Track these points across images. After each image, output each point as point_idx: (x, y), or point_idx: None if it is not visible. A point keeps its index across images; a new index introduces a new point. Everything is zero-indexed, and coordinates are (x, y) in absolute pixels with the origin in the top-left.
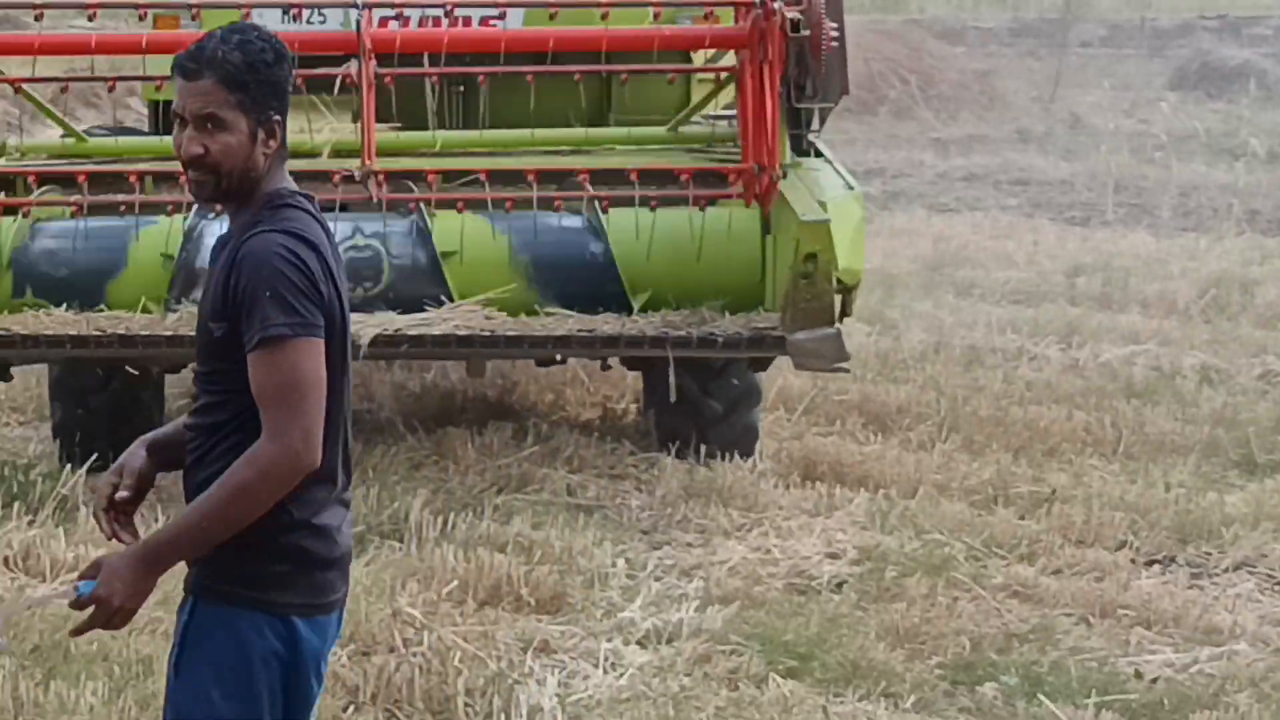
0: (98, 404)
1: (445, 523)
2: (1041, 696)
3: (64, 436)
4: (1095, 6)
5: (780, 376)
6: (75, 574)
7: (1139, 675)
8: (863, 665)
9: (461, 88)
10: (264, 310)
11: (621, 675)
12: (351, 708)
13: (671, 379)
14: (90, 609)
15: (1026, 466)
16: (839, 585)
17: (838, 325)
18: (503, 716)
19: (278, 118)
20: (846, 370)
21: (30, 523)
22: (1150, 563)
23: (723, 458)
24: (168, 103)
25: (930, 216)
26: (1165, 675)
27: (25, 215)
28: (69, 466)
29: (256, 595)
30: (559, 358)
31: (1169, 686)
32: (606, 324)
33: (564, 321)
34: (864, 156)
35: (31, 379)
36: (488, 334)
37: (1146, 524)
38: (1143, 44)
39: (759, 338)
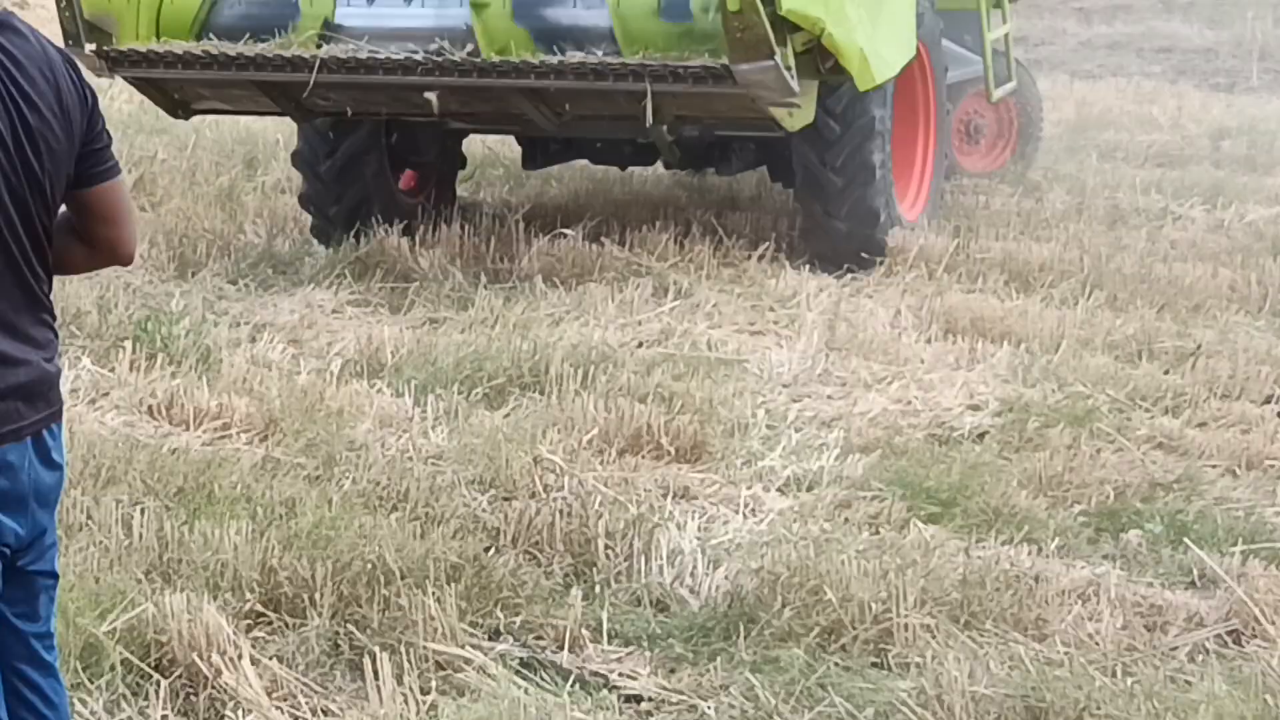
0: (327, 170)
1: (586, 375)
2: (1187, 542)
3: (309, 206)
4: None
5: (921, 236)
6: (218, 422)
7: None
8: (1005, 511)
9: None
10: None
11: (762, 520)
12: (492, 549)
13: (648, 105)
14: None
15: (1171, 322)
16: (981, 435)
17: (777, 59)
18: (643, 559)
19: None
20: (796, 105)
21: (173, 374)
22: None
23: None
24: None
25: (1073, 82)
26: None
27: None
28: (211, 319)
29: None
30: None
31: None
32: (584, 57)
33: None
34: None
35: (175, 237)
36: (461, 62)
37: None
38: None
39: (718, 71)
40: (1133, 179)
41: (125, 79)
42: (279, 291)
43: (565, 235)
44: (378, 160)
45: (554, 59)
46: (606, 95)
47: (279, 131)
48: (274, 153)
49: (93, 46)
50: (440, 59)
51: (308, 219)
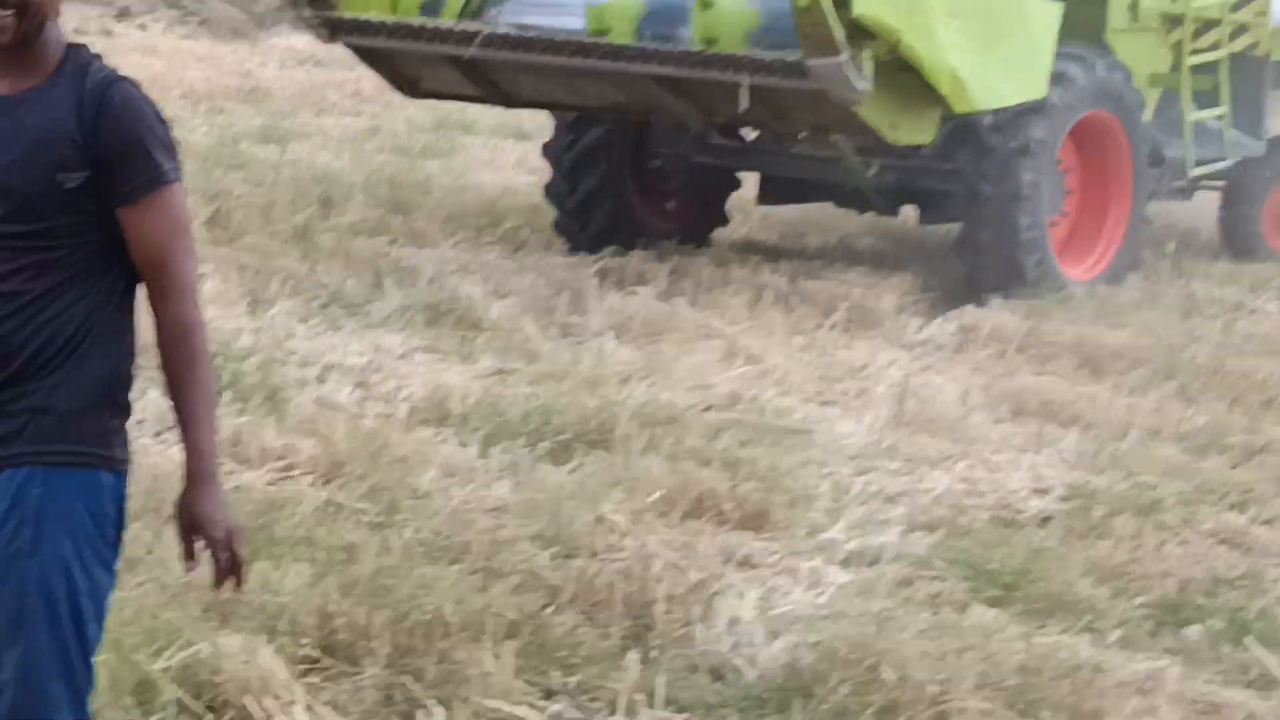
0: (572, 202)
1: (652, 435)
2: (1248, 641)
3: (562, 234)
4: None
5: (994, 315)
6: (283, 462)
7: None
8: (1067, 599)
9: None
10: (154, 156)
11: (822, 593)
12: (551, 607)
13: (743, 94)
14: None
15: (1241, 417)
16: (1045, 520)
17: (843, 57)
18: (701, 625)
19: None
20: (858, 102)
21: (240, 411)
22: None
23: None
24: None
25: None
26: None
27: None
28: (280, 357)
29: (103, 454)
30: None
31: None
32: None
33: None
34: None
35: (247, 273)
36: (578, 40)
37: None
38: None
39: (796, 65)
40: (1207, 269)
41: (347, 45)
42: (349, 333)
43: (637, 293)
44: (621, 191)
45: (654, 45)
46: (725, 88)
47: (357, 173)
48: (350, 193)
49: (315, 13)
50: (568, 39)
51: (381, 260)
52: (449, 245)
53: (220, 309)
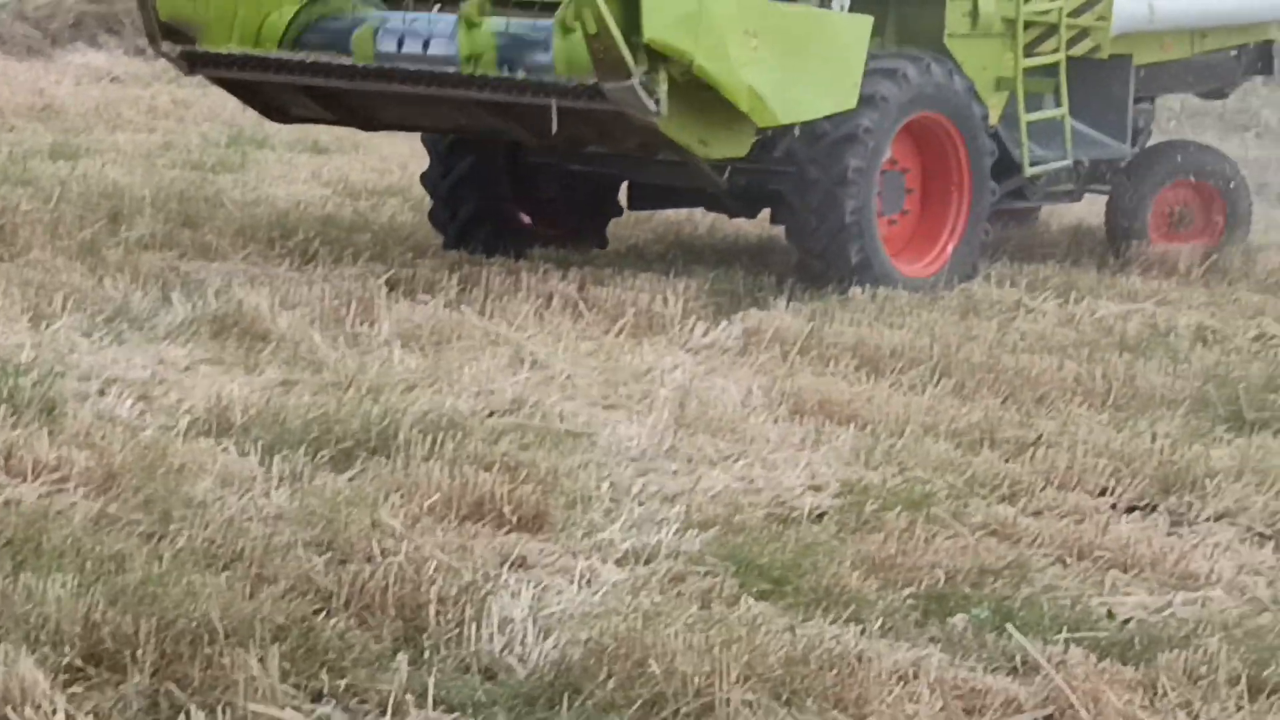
0: (443, 190)
1: (434, 441)
2: (1011, 629)
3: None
4: None
5: (777, 318)
6: (56, 475)
7: (1111, 615)
8: (835, 591)
9: None
10: None
11: (596, 592)
12: (324, 612)
13: (554, 115)
14: None
15: (1015, 412)
16: (819, 516)
17: (634, 80)
18: (474, 625)
19: None
20: (656, 119)
21: (14, 424)
22: (1131, 509)
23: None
24: None
25: None
26: (1138, 616)
27: None
28: (60, 371)
29: None
30: None
31: (1141, 627)
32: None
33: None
34: None
35: (31, 289)
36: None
37: (1130, 472)
38: None
39: (592, 88)
40: (989, 270)
41: (207, 78)
42: (133, 347)
43: (426, 302)
44: (494, 185)
45: (476, 72)
46: (541, 111)
47: (148, 188)
48: (140, 208)
49: (173, 47)
50: (394, 68)
51: (169, 273)
52: (238, 258)
53: (1, 325)
